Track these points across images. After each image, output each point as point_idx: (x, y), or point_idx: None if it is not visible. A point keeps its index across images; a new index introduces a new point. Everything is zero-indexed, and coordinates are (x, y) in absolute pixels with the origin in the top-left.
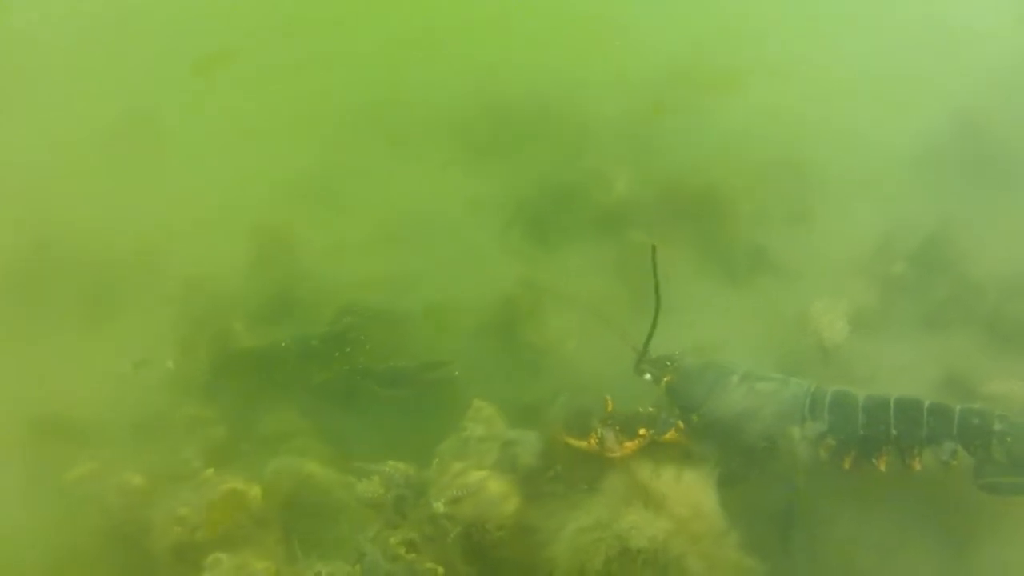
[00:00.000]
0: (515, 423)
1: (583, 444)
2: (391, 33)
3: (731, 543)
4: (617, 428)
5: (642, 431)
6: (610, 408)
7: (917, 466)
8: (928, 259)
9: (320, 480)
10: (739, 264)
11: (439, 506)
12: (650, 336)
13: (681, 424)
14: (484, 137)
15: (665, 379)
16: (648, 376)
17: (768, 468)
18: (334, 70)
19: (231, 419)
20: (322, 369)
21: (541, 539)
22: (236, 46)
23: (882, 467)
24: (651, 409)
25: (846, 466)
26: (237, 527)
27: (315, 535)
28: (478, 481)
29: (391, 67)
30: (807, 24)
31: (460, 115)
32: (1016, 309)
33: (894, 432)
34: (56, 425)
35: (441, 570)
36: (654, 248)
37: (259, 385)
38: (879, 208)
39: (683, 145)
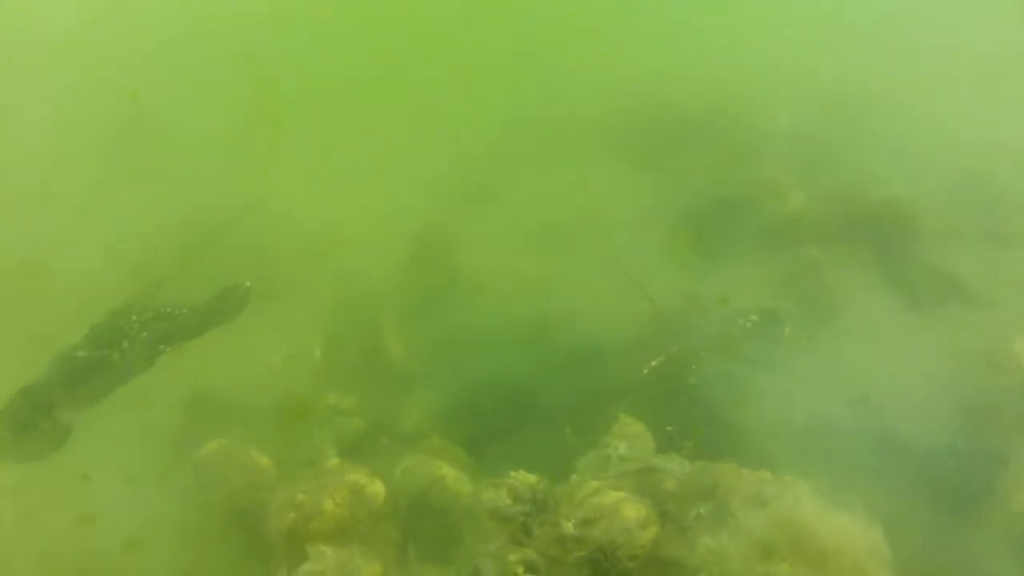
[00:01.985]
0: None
1: None
2: (555, 36)
3: None
4: None
5: None
6: None
7: None
8: None
9: (450, 484)
10: (923, 288)
11: (568, 526)
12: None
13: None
14: (650, 144)
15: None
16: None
17: None
18: (496, 73)
19: (371, 412)
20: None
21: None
22: (397, 52)
23: None
24: None
25: None
26: (353, 520)
27: (433, 541)
28: (614, 503)
29: (554, 70)
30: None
31: (625, 121)
32: None
33: None
34: (202, 404)
35: None
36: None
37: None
38: None
39: (863, 156)
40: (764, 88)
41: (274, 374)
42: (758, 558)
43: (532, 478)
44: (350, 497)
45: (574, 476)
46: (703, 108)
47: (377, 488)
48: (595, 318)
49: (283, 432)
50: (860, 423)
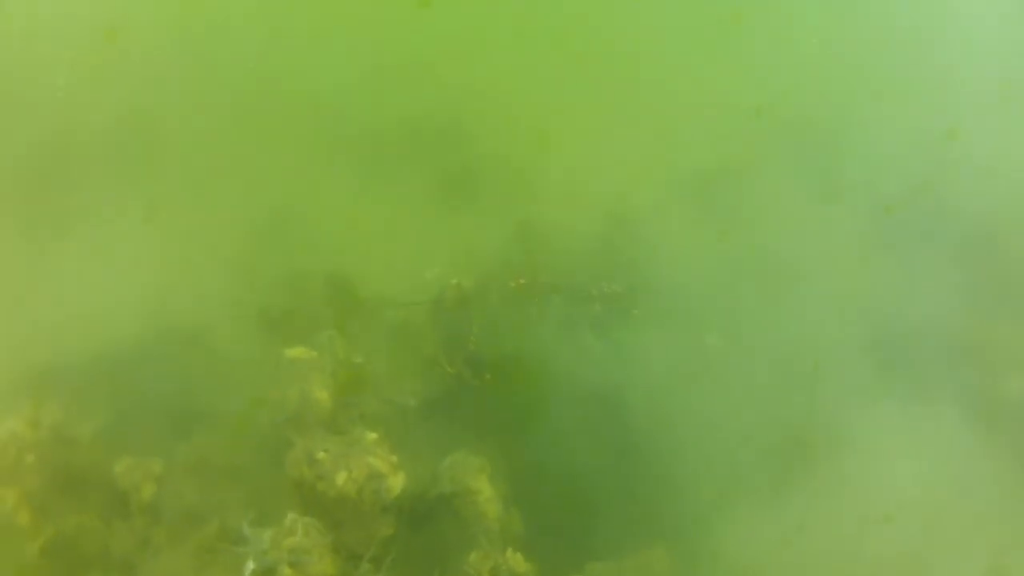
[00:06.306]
0: None
1: None
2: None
3: None
4: None
5: None
6: None
7: None
8: None
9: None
10: None
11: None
12: None
13: None
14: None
15: None
16: None
17: None
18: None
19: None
20: None
21: None
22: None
23: None
24: None
25: None
26: (357, 500)
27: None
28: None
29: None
30: None
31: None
32: None
33: None
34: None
35: None
36: None
37: None
38: None
39: None
40: None
41: (422, 290)
42: None
43: None
44: (365, 479)
45: None
46: None
47: (395, 482)
48: None
49: (395, 352)
50: None
